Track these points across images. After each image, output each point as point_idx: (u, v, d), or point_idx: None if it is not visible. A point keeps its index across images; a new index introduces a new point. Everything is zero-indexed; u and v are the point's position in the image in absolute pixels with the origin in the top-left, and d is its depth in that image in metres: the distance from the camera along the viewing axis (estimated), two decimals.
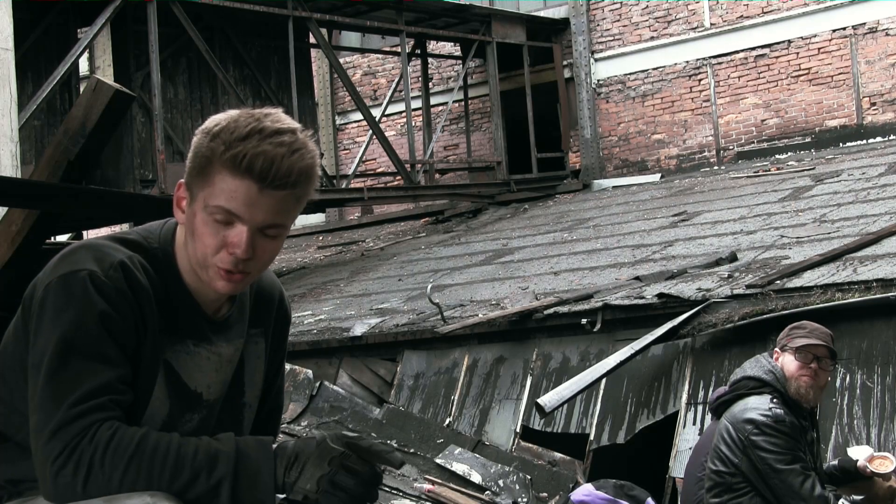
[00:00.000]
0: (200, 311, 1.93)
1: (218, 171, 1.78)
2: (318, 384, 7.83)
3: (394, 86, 15.64)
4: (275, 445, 1.81)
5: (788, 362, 4.12)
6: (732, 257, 7.94)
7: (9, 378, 1.88)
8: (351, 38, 17.79)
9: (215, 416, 2.00)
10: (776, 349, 4.21)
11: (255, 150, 1.75)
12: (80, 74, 12.61)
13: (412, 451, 7.14)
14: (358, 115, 16.87)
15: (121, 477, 1.71)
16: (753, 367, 4.18)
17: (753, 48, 14.74)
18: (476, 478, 6.72)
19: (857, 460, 4.26)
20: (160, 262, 1.89)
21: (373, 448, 1.76)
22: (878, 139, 13.75)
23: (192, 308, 1.92)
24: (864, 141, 13.87)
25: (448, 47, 17.05)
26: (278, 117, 1.81)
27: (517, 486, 6.67)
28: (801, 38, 14.38)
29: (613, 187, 14.96)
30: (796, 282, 6.60)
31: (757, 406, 4.02)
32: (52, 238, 8.00)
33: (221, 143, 1.77)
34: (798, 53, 14.43)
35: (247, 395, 2.06)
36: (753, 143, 14.80)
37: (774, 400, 4.02)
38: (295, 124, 1.82)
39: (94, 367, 1.76)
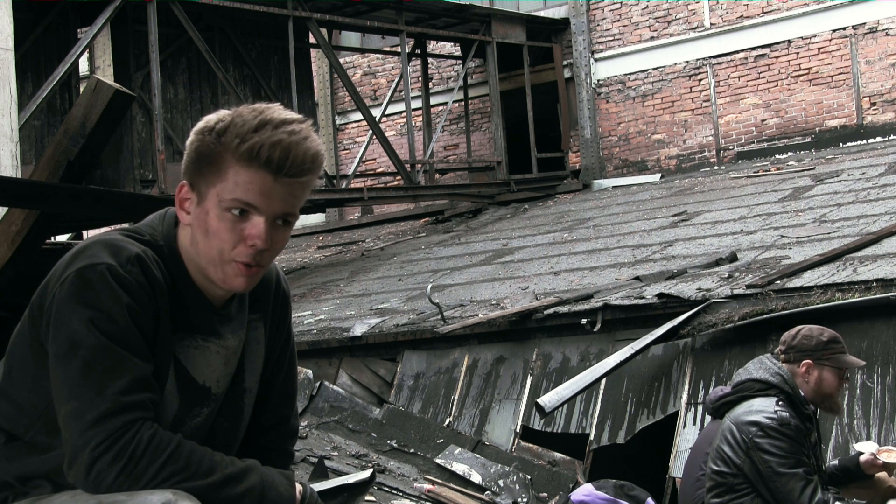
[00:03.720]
0: (210, 305, 1.95)
1: (230, 166, 1.80)
2: (318, 384, 7.82)
3: (394, 86, 15.64)
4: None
5: (829, 378, 4.03)
6: (732, 257, 7.94)
7: (17, 380, 1.89)
8: (351, 38, 17.79)
9: (219, 405, 2.02)
10: (807, 360, 4.04)
11: (271, 139, 1.78)
12: (80, 74, 12.61)
13: (412, 451, 7.14)
14: (358, 115, 16.88)
15: (155, 473, 1.75)
16: (758, 368, 4.09)
17: (753, 48, 14.74)
18: (476, 478, 6.72)
19: (863, 453, 4.21)
20: (167, 258, 1.91)
21: None
22: (878, 139, 13.75)
23: (202, 302, 1.93)
24: (864, 141, 13.87)
25: (448, 47, 17.05)
26: (278, 108, 1.85)
27: (517, 486, 6.66)
28: (801, 38, 14.38)
29: (613, 187, 14.95)
30: (796, 282, 6.60)
31: (762, 408, 3.94)
32: (52, 238, 7.99)
33: (235, 137, 1.79)
34: (798, 53, 14.43)
35: (247, 381, 2.07)
36: (753, 143, 14.80)
37: (780, 402, 3.95)
38: (297, 114, 1.86)
39: (129, 358, 1.78)
